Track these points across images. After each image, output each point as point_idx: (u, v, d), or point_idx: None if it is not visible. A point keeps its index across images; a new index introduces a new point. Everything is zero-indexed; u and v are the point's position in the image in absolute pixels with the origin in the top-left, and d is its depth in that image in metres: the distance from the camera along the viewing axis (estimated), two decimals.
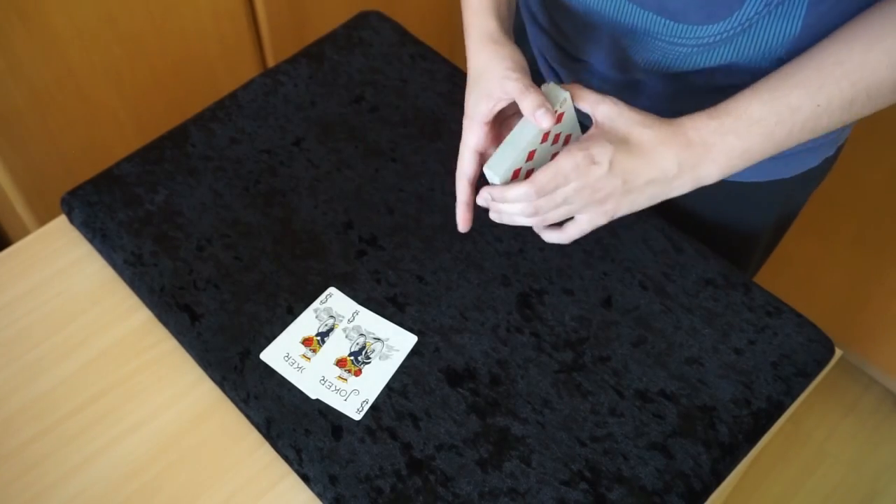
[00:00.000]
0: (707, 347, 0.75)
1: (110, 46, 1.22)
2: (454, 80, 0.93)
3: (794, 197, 0.87)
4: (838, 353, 0.77)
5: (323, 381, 0.72)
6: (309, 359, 0.73)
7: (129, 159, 0.86)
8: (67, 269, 0.82)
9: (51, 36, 1.14)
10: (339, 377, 0.72)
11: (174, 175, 0.85)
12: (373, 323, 0.76)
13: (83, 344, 0.77)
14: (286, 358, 0.73)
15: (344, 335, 0.75)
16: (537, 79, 0.91)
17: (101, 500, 0.69)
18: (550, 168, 0.64)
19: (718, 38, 0.68)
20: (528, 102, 0.64)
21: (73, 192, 0.84)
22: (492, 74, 0.67)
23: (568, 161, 0.64)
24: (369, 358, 0.74)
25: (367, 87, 0.93)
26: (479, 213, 0.72)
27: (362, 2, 1.34)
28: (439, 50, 0.94)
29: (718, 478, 0.70)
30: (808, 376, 0.75)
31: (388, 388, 0.72)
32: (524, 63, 0.68)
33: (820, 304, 1.39)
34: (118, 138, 1.31)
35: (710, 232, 0.86)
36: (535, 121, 0.64)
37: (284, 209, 0.83)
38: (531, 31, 0.88)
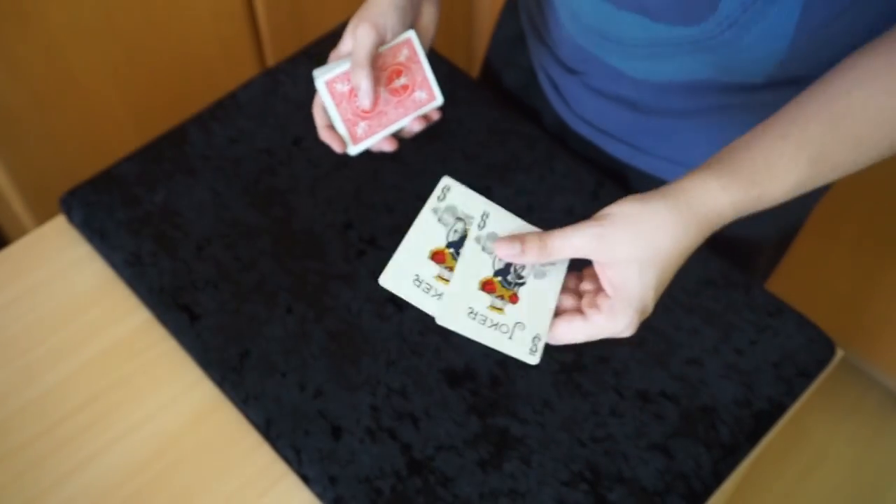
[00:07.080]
0: (708, 348, 0.75)
1: (110, 46, 1.22)
2: (454, 79, 0.93)
3: (793, 209, 0.83)
4: (840, 353, 0.77)
5: (473, 315, 0.52)
6: (447, 281, 0.53)
7: (128, 159, 0.86)
8: (67, 268, 0.82)
9: (51, 36, 1.14)
10: (493, 307, 0.53)
11: (173, 175, 0.85)
12: (508, 223, 0.56)
13: (82, 344, 0.77)
14: (416, 281, 0.52)
15: (479, 247, 0.54)
16: (535, 91, 0.91)
17: (100, 501, 0.69)
18: (586, 331, 0.56)
19: (699, 40, 0.65)
20: (355, 78, 0.69)
21: (72, 192, 0.84)
22: (355, 17, 0.72)
23: (610, 326, 0.55)
24: (522, 277, 0.54)
25: None
26: None
27: (362, 2, 1.33)
28: (438, 49, 0.94)
29: (719, 478, 0.69)
30: (809, 377, 0.74)
31: (388, 388, 0.72)
32: (382, 22, 0.71)
33: (821, 304, 1.38)
34: (118, 138, 1.31)
35: (707, 243, 0.83)
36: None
37: (284, 209, 0.83)
38: (531, 43, 0.87)
